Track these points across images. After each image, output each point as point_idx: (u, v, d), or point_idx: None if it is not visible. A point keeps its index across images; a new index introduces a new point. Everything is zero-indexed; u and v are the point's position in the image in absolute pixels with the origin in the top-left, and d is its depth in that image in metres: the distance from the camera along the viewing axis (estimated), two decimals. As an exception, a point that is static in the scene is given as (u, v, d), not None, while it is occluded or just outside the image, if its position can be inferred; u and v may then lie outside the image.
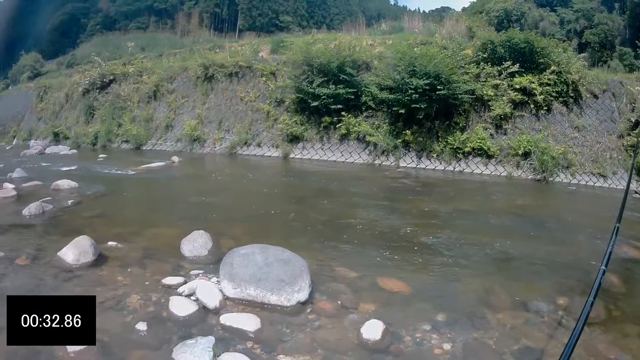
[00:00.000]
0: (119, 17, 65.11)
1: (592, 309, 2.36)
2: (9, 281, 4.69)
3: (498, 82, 16.38)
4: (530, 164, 15.16)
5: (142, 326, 3.85)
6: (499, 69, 16.50)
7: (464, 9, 49.52)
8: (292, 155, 17.44)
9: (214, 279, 4.82)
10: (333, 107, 16.96)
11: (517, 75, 16.23)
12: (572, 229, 8.56)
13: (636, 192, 13.25)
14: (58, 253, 5.29)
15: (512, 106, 16.14)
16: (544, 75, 16.24)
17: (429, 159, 16.09)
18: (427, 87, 15.05)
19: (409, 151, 16.37)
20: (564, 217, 9.99)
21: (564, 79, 16.32)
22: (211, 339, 3.62)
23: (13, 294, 3.42)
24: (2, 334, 3.08)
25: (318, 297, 4.59)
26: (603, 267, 2.89)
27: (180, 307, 4.18)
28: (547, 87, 16.14)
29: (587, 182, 15.25)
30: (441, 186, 13.15)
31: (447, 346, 3.84)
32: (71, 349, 3.43)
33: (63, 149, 20.59)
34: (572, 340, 1.99)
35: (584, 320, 2.19)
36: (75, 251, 5.23)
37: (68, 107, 25.47)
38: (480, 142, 15.63)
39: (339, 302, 4.55)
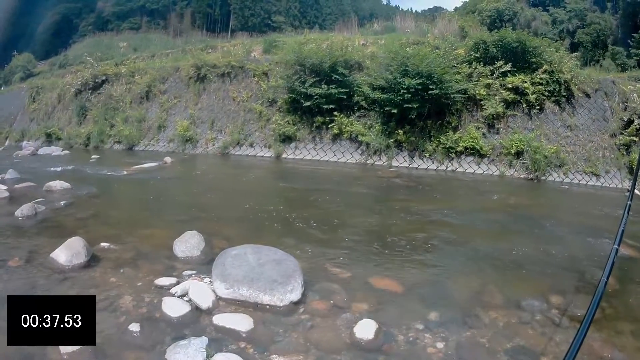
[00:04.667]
0: (112, 18, 64.63)
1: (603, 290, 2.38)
2: (1, 283, 4.67)
3: (490, 81, 16.44)
4: (523, 163, 15.19)
5: (135, 327, 3.85)
6: (491, 68, 16.56)
7: (456, 9, 49.50)
8: (284, 156, 17.42)
9: (207, 280, 4.81)
10: (325, 107, 16.96)
11: (509, 75, 16.29)
12: (564, 228, 8.58)
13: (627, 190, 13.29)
14: (51, 254, 5.27)
15: (505, 105, 16.20)
16: (536, 74, 16.30)
17: (422, 159, 16.12)
18: (420, 87, 15.06)
19: (402, 151, 16.39)
20: (556, 215, 10.02)
21: (556, 78, 16.38)
22: (204, 340, 3.62)
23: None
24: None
25: (311, 297, 4.59)
26: (616, 247, 2.88)
27: (173, 307, 4.17)
28: (540, 87, 16.20)
29: (579, 181, 15.31)
30: (433, 186, 13.15)
31: (440, 345, 3.85)
32: (64, 349, 3.42)
33: (55, 150, 20.47)
34: (586, 323, 2.00)
35: (598, 301, 2.18)
36: (68, 252, 5.21)
37: (60, 108, 25.34)
38: (472, 142, 15.68)
39: (332, 301, 4.55)
